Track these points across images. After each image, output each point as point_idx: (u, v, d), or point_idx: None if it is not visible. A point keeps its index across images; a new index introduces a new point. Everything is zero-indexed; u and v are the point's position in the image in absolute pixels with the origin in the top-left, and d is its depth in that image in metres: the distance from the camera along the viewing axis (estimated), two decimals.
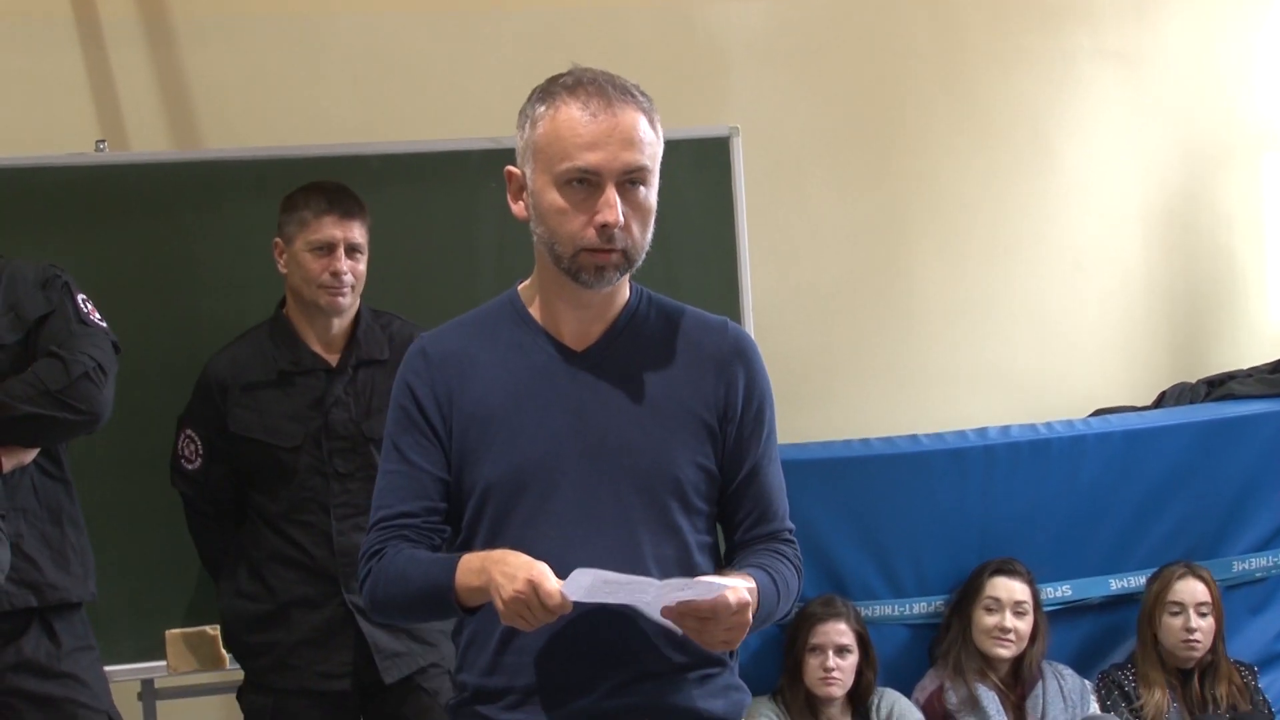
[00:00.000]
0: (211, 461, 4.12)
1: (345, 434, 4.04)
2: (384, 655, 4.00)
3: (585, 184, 2.55)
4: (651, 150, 2.59)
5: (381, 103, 5.21)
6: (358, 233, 4.04)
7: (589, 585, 2.35)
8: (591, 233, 2.55)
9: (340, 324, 4.10)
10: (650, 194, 2.60)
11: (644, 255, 2.63)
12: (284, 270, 4.08)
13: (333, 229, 4.01)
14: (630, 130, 2.54)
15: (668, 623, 2.47)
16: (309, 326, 4.10)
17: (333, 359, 4.09)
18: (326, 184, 4.09)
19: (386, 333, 4.15)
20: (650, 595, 2.40)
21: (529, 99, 2.62)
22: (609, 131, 2.53)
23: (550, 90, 2.58)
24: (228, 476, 4.12)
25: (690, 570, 2.59)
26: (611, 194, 2.54)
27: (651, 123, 2.59)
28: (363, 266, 4.06)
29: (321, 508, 4.03)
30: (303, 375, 4.07)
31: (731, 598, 2.43)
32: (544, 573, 2.39)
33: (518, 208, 2.67)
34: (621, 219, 2.54)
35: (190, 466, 4.14)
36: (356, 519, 4.00)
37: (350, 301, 4.06)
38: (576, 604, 2.41)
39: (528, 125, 2.60)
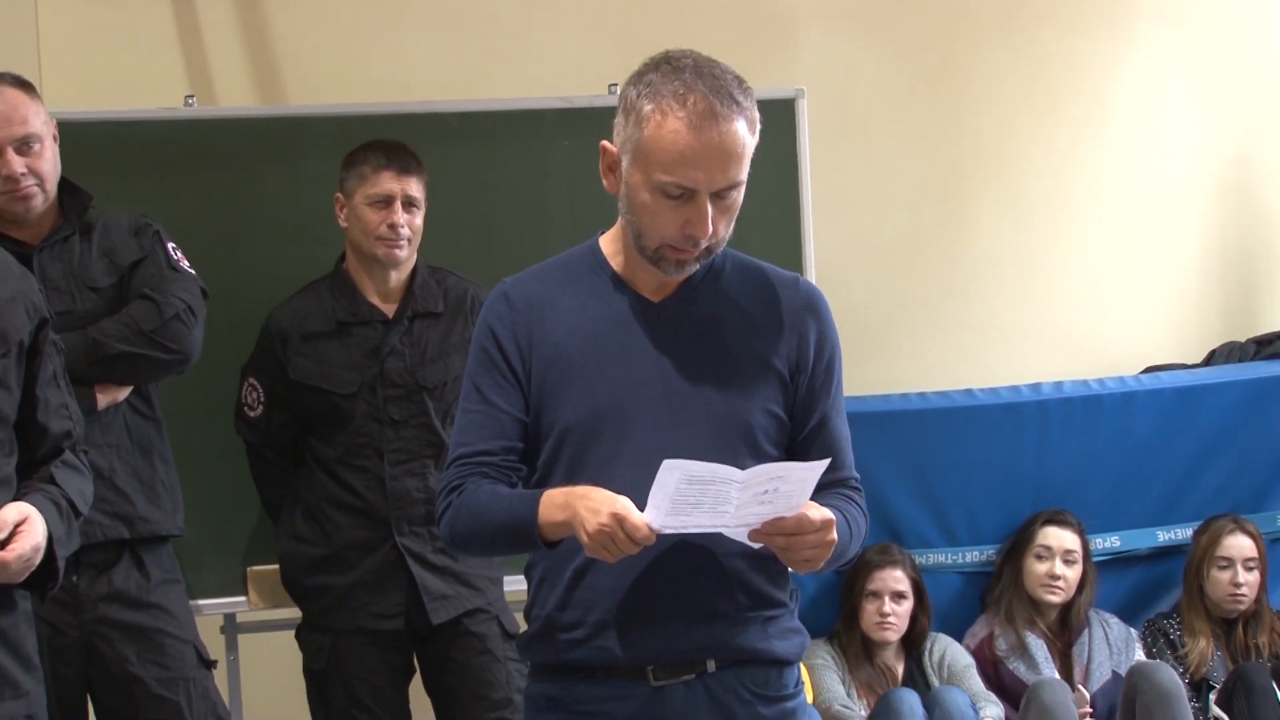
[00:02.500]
0: (272, 409, 4.15)
1: (400, 382, 4.06)
2: (432, 597, 4.03)
3: (682, 195, 2.53)
4: (749, 154, 2.57)
5: (459, 62, 5.21)
6: (414, 188, 4.06)
7: (673, 489, 2.34)
8: (679, 235, 2.55)
9: (397, 277, 4.13)
10: (740, 193, 2.59)
11: (725, 242, 2.64)
12: (344, 224, 4.11)
13: (390, 183, 4.03)
14: (732, 147, 2.52)
15: (751, 543, 2.49)
16: (367, 279, 4.12)
17: (389, 310, 4.11)
18: (386, 141, 4.11)
19: (442, 287, 4.18)
20: (732, 505, 2.39)
21: (636, 83, 2.57)
22: (713, 151, 2.50)
23: (660, 90, 2.52)
24: (288, 424, 4.16)
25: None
26: (704, 207, 2.53)
27: (752, 127, 2.56)
28: (419, 221, 4.08)
29: (376, 453, 4.05)
30: (360, 326, 4.10)
31: (814, 513, 2.45)
32: (628, 506, 2.40)
33: (608, 181, 2.65)
34: (710, 229, 2.55)
35: (252, 414, 4.18)
36: (409, 464, 4.06)
37: (407, 254, 4.08)
38: (659, 537, 2.42)
39: (631, 119, 2.55)
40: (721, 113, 2.50)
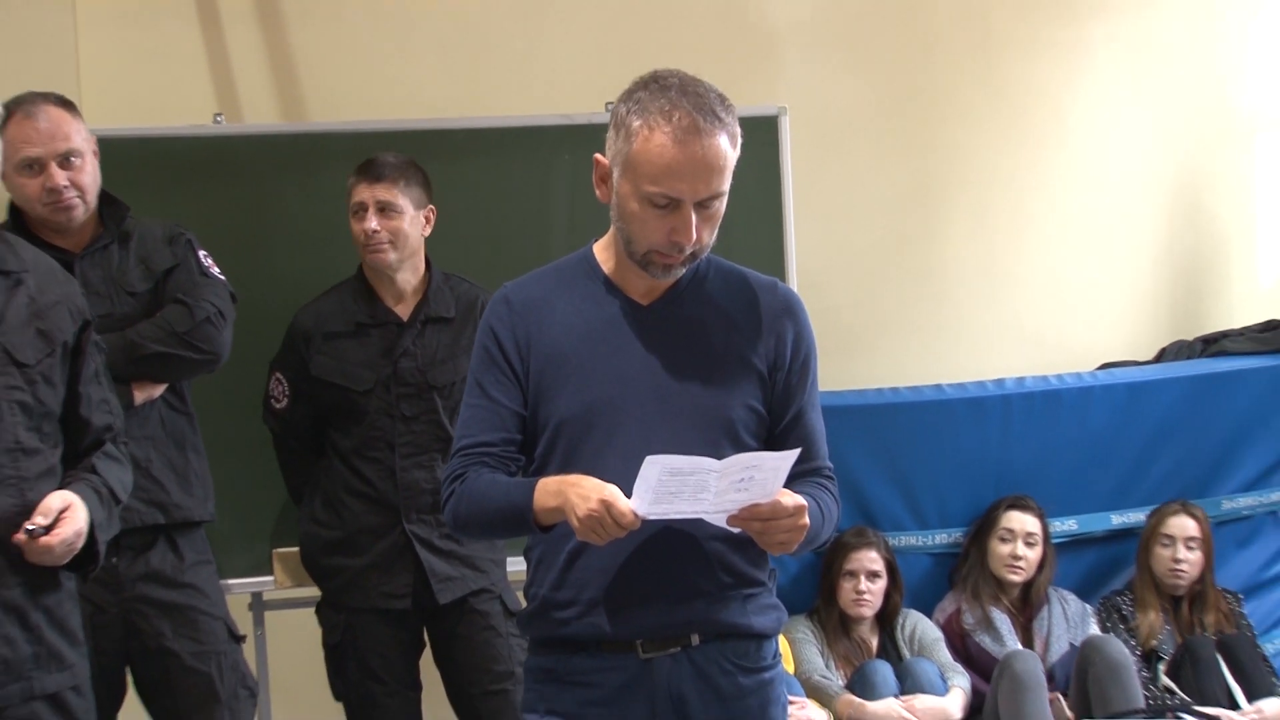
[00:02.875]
0: (296, 401, 4.15)
1: (411, 381, 4.06)
2: (439, 579, 4.04)
3: (668, 205, 2.55)
4: (730, 167, 2.58)
5: (467, 81, 5.20)
6: (387, 193, 4.00)
7: (655, 481, 2.37)
8: (665, 241, 2.57)
9: (409, 281, 4.11)
10: (722, 203, 2.60)
11: (709, 248, 2.66)
12: None
13: (363, 193, 4.02)
14: (714, 160, 2.54)
15: (731, 528, 2.51)
16: (382, 284, 4.12)
17: (404, 314, 4.11)
18: (373, 156, 4.09)
19: (454, 294, 4.16)
20: (711, 492, 2.41)
21: (626, 100, 2.59)
22: (696, 163, 2.52)
23: (648, 106, 2.54)
24: (310, 416, 4.16)
25: None
26: (689, 216, 2.55)
27: (733, 141, 2.57)
28: (401, 224, 4.02)
29: (388, 446, 4.06)
30: (377, 327, 4.09)
31: (786, 499, 2.47)
32: (615, 493, 2.43)
33: (601, 191, 2.67)
34: (695, 236, 2.57)
35: (279, 405, 4.19)
36: (418, 457, 4.06)
37: (395, 257, 4.05)
38: (645, 522, 2.44)
39: (621, 133, 2.57)
40: (704, 128, 2.52)
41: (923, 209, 5.66)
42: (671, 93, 2.54)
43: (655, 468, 2.36)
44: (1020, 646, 4.85)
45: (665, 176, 2.53)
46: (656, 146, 2.52)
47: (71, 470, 2.85)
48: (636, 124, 2.55)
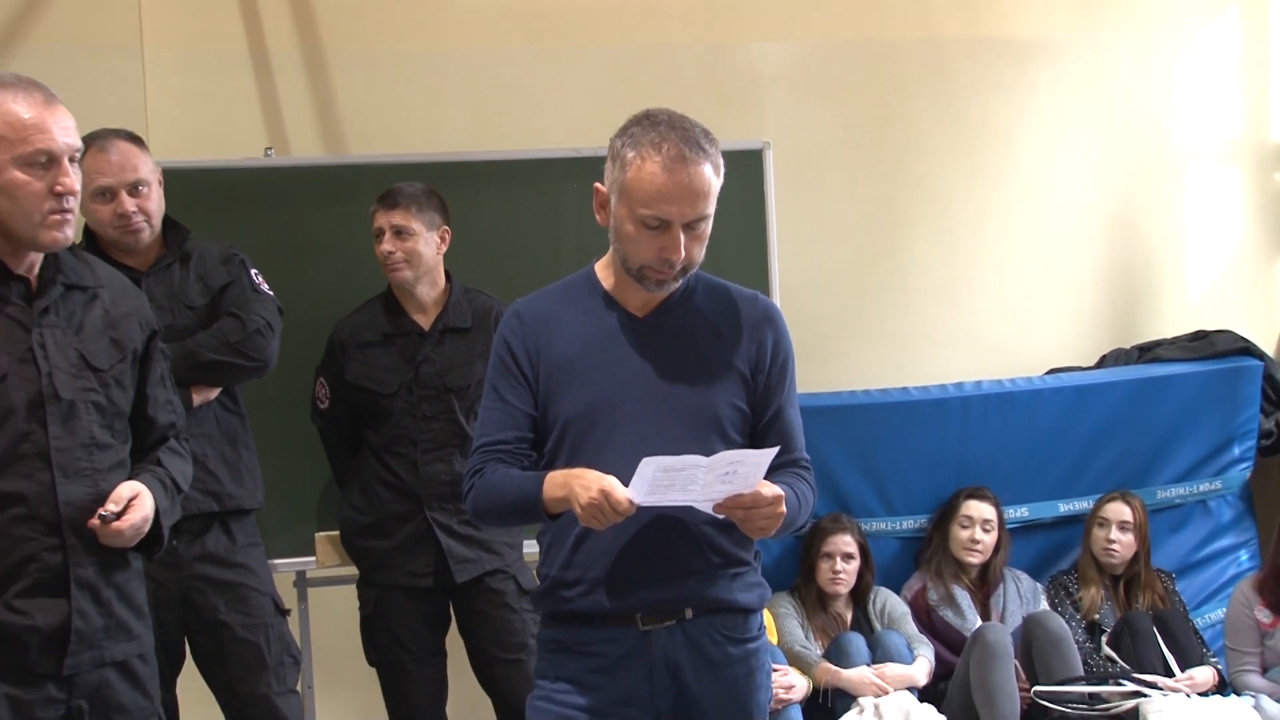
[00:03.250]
0: (336, 402, 4.16)
1: (431, 385, 4.06)
2: (457, 560, 4.04)
3: (659, 226, 2.57)
4: (715, 192, 2.60)
5: (488, 119, 5.20)
6: (401, 218, 4.01)
7: (650, 477, 2.38)
8: (657, 259, 2.59)
9: (431, 296, 4.11)
10: (708, 224, 2.62)
11: (698, 264, 2.67)
12: None
13: (380, 219, 4.04)
14: (700, 186, 2.56)
15: (717, 515, 2.52)
16: (406, 298, 4.12)
17: (426, 325, 4.11)
18: (392, 186, 4.09)
19: (472, 305, 4.16)
20: (699, 485, 2.42)
21: (621, 135, 2.61)
22: (683, 189, 2.54)
23: (640, 140, 2.56)
24: (348, 415, 4.16)
25: None
26: (678, 236, 2.57)
27: (717, 170, 2.59)
28: (415, 245, 4.02)
29: (411, 442, 4.06)
30: (402, 337, 4.09)
31: (766, 490, 2.48)
32: (614, 484, 2.44)
33: (600, 216, 2.69)
34: (683, 253, 2.59)
35: (322, 406, 4.20)
36: (438, 452, 4.06)
37: (411, 274, 4.05)
38: (640, 509, 2.46)
39: (617, 164, 2.59)
40: (690, 158, 2.54)
41: (890, 231, 5.64)
42: (661, 127, 2.57)
43: (650, 467, 2.38)
44: (980, 620, 4.86)
45: (656, 201, 2.55)
46: (648, 175, 2.54)
47: (139, 463, 2.86)
48: (630, 155, 2.57)
